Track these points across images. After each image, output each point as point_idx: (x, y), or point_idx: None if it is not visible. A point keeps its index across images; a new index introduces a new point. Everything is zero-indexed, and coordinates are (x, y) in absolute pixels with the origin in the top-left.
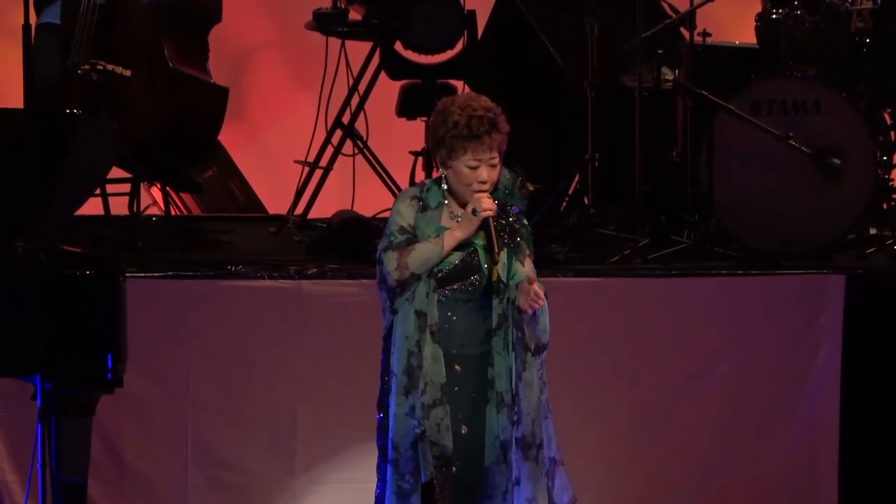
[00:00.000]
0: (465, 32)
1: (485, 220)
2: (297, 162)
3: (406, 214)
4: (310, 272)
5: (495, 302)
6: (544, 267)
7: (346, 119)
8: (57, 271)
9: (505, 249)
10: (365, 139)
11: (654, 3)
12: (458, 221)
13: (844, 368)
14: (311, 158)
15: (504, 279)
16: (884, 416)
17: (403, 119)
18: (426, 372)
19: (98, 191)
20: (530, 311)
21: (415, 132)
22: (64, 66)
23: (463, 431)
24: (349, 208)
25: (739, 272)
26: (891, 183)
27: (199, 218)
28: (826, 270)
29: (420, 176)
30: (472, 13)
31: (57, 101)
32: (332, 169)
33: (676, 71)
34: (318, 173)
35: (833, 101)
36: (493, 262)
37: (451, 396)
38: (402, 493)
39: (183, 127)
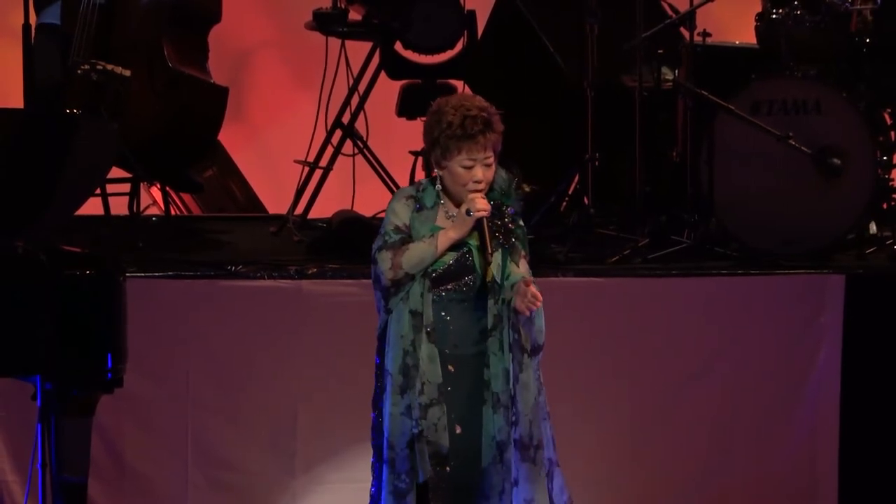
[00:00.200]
0: (465, 32)
1: (479, 221)
2: (297, 162)
3: (401, 214)
4: (310, 272)
5: (490, 303)
6: (544, 267)
7: (346, 119)
8: (57, 271)
9: (499, 250)
10: (365, 139)
11: (655, 3)
12: (453, 221)
13: (844, 368)
14: (311, 158)
15: (498, 280)
16: (884, 416)
17: (403, 119)
18: (423, 372)
19: (98, 191)
20: (528, 313)
21: (415, 132)
22: (64, 66)
23: (457, 431)
24: (349, 208)
25: (739, 272)
26: (891, 183)
27: (199, 218)
28: (826, 270)
29: (420, 176)
30: (472, 13)
31: (57, 101)
32: (332, 169)
33: (676, 71)
34: (318, 173)
35: (833, 101)
36: (487, 263)
37: (445, 396)
38: (399, 492)
39: (183, 127)
